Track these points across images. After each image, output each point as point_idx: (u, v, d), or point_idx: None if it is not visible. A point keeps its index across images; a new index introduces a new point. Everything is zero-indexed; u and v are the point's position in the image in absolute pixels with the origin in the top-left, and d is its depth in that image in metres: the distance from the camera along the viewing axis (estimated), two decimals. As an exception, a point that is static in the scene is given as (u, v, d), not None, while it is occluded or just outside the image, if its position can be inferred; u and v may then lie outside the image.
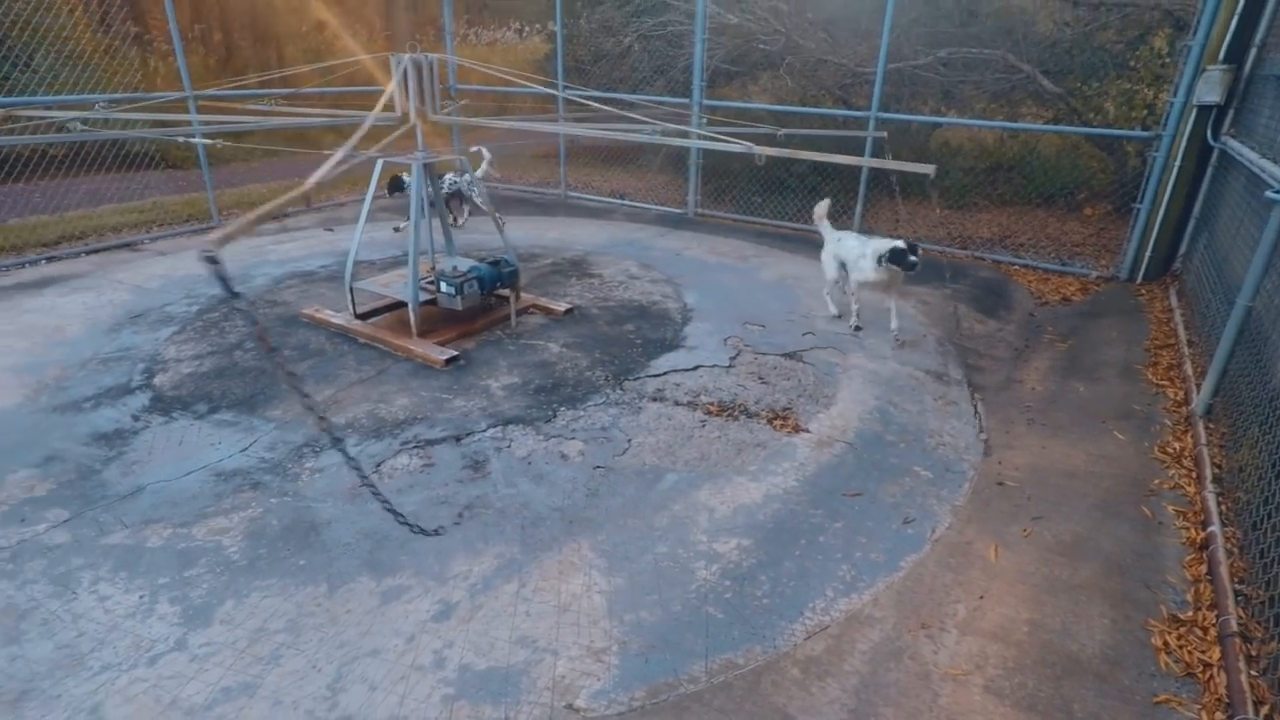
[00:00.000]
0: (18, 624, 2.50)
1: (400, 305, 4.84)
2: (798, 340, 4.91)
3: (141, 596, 2.64)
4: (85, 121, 4.56)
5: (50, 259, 6.30)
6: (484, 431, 3.73)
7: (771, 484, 3.37)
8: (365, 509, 3.12)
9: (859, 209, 7.30)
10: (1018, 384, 4.46)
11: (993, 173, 7.71)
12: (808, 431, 3.81)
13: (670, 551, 2.91)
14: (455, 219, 7.51)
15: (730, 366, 4.50)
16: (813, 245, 7.19)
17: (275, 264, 6.28)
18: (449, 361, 4.40)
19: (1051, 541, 3.04)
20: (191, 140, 6.90)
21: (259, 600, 2.63)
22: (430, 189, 4.89)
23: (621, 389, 4.20)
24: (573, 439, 3.68)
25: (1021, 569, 2.88)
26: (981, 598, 2.73)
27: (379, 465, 3.44)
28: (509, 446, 3.60)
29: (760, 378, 4.37)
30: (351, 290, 4.88)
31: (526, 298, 5.30)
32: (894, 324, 4.94)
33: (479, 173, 7.16)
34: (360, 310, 4.95)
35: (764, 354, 4.69)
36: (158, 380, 4.17)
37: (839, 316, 5.29)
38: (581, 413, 3.93)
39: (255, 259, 6.41)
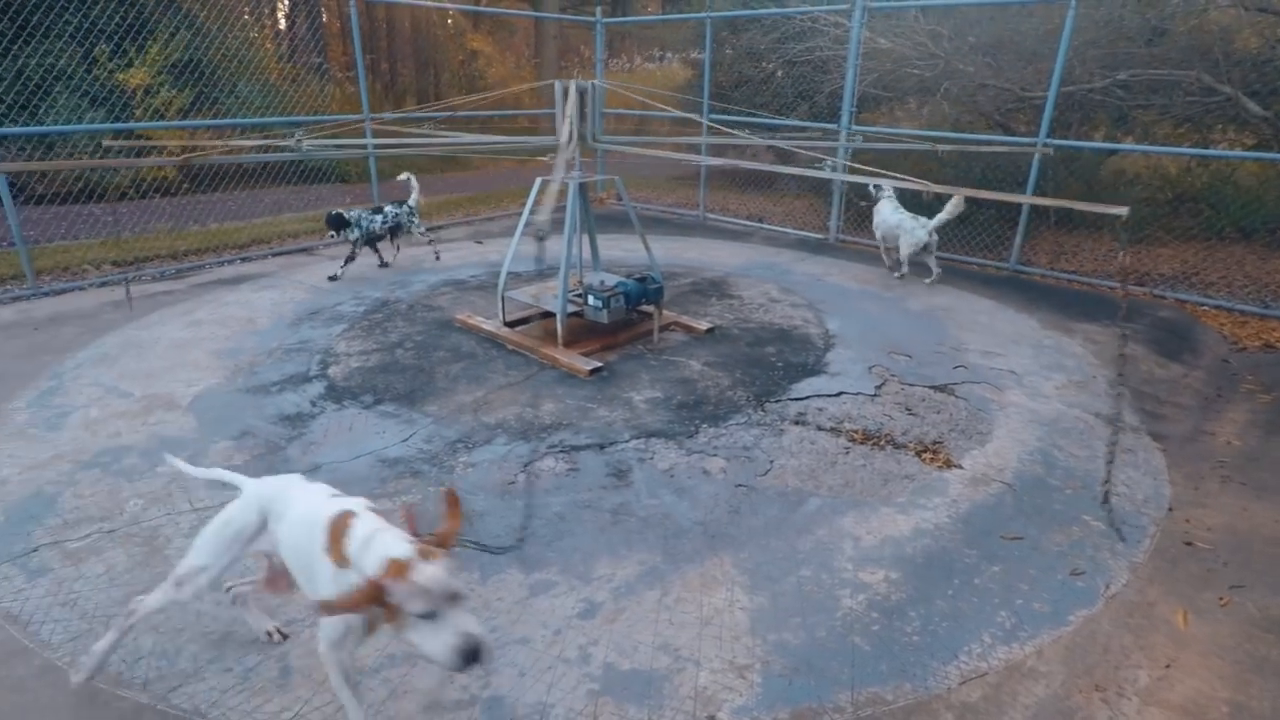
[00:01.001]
0: (218, 577, 2.79)
1: (548, 315, 5.05)
2: (948, 373, 4.68)
3: (319, 564, 2.87)
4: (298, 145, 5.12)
5: (243, 259, 7.09)
6: (627, 442, 3.80)
7: (921, 518, 3.21)
8: (514, 505, 3.25)
9: (1018, 239, 6.88)
10: (1208, 436, 4.01)
11: (1176, 204, 7.02)
12: (960, 468, 3.61)
13: (814, 576, 2.83)
14: (381, 257, 6.78)
15: (875, 395, 4.35)
16: (965, 276, 6.87)
17: (430, 272, 6.75)
18: (593, 372, 4.53)
19: (1257, 615, 2.69)
20: (377, 153, 7.56)
21: (419, 580, 2.79)
22: (581, 208, 5.09)
23: (763, 410, 4.15)
24: (714, 456, 3.67)
25: (1218, 641, 2.57)
26: (1168, 666, 2.46)
27: (526, 465, 3.58)
28: (651, 458, 3.65)
29: (908, 409, 4.19)
30: (503, 299, 5.14)
31: (668, 315, 5.38)
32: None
33: (412, 200, 6.72)
34: (509, 318, 5.21)
35: (911, 385, 4.50)
36: (331, 371, 4.56)
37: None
38: (723, 431, 3.92)
39: (413, 267, 6.91)
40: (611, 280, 5.00)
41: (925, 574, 2.86)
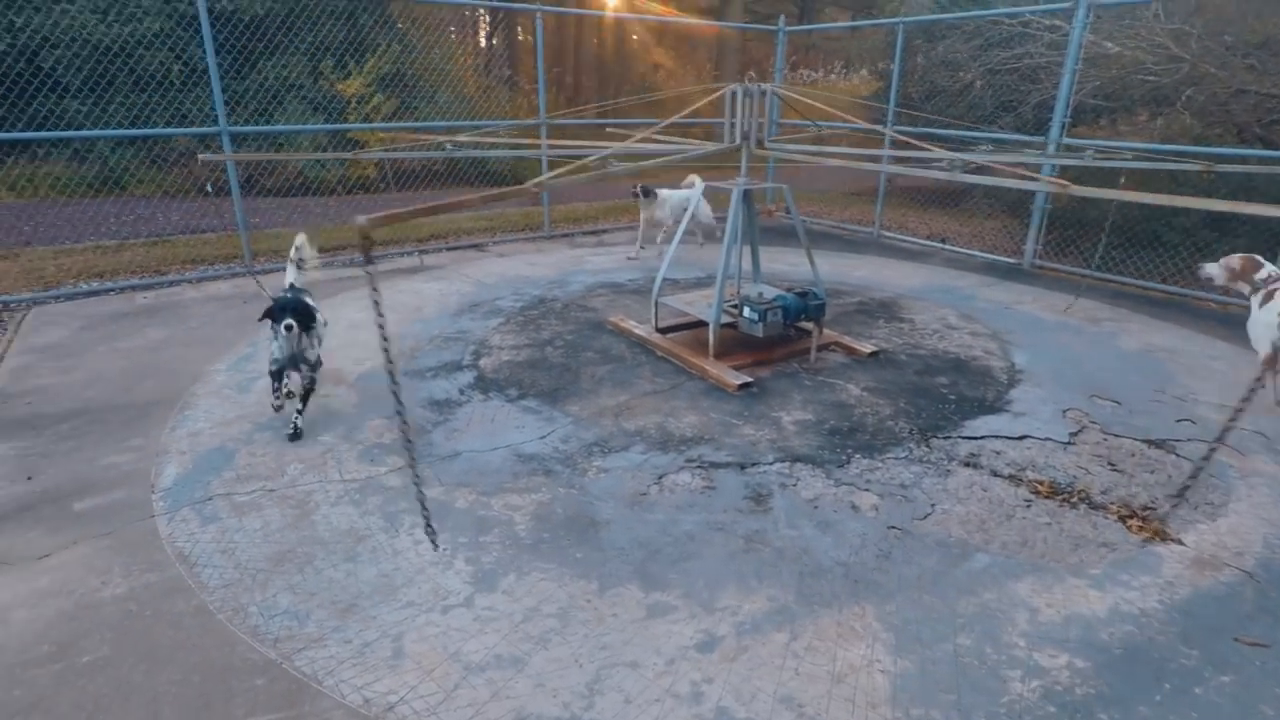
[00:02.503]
0: (355, 546, 2.88)
1: (700, 325, 4.88)
2: (1169, 426, 3.91)
3: (444, 549, 2.87)
4: (453, 145, 5.34)
5: (421, 252, 7.60)
6: (770, 464, 3.51)
7: (1121, 598, 2.63)
8: (643, 518, 3.08)
9: None
10: None
11: None
12: (1179, 543, 2.95)
13: (975, 647, 2.39)
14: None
15: (1069, 444, 3.72)
16: (1191, 312, 5.84)
17: (589, 274, 6.82)
18: (742, 387, 4.28)
19: None
20: (549, 155, 7.83)
21: (537, 580, 2.70)
22: (745, 216, 4.87)
23: (928, 446, 3.69)
24: (866, 490, 3.29)
25: None
26: None
27: (660, 478, 3.40)
28: (795, 485, 3.34)
29: (1111, 463, 3.53)
30: (656, 304, 5.03)
31: (829, 334, 5.00)
32: None
33: (300, 254, 4.37)
34: (661, 325, 5.09)
35: (1117, 436, 3.80)
36: (482, 363, 4.68)
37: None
38: (879, 464, 3.51)
39: (573, 267, 7.03)
40: (770, 293, 4.73)
41: (1124, 669, 2.32)
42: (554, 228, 8.64)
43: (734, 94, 4.60)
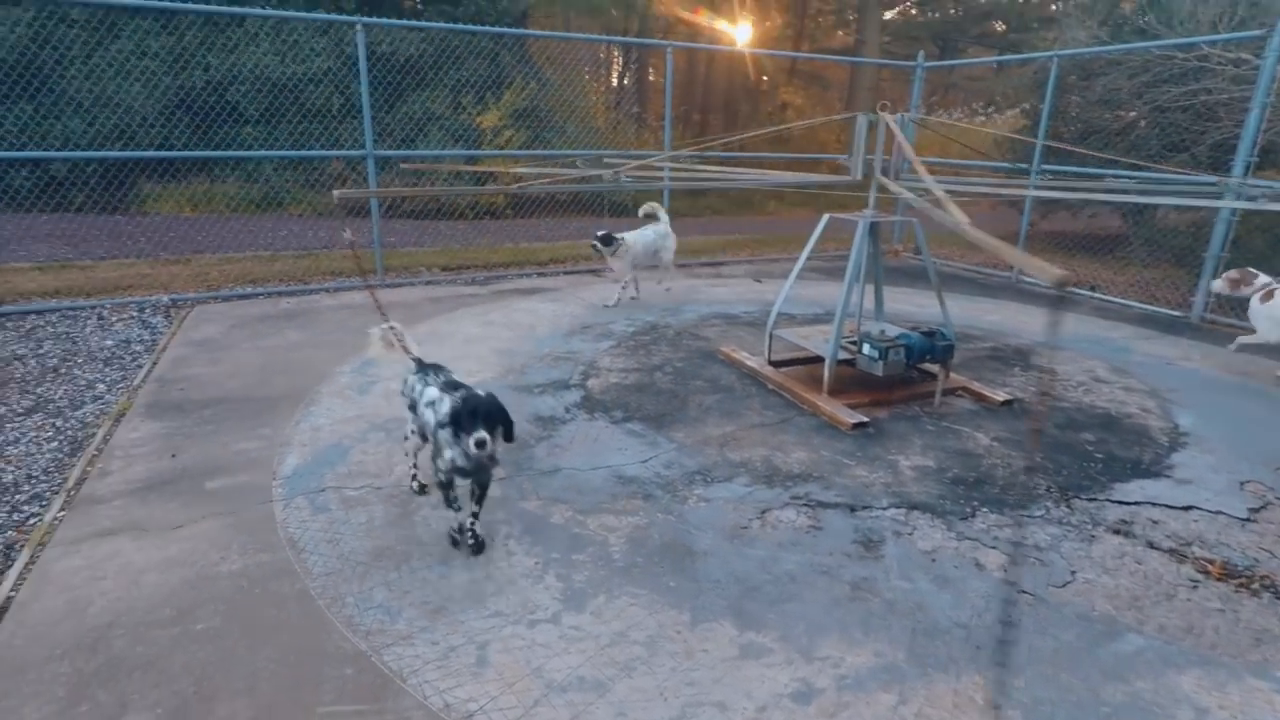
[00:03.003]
0: (450, 551, 2.88)
1: (815, 361, 4.67)
2: (1377, 512, 3.30)
3: (537, 563, 2.82)
4: (615, 177, 5.45)
5: (539, 274, 7.81)
6: (884, 509, 3.25)
7: (1319, 710, 2.18)
8: (743, 552, 2.91)
9: None
10: None
11: None
12: (1396, 652, 2.43)
13: (1127, 745, 2.04)
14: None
15: (1249, 520, 3.21)
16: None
17: (704, 304, 6.74)
18: (857, 426, 4.02)
19: None
20: (672, 184, 7.89)
21: (626, 605, 2.59)
22: (869, 251, 4.64)
23: (1068, 506, 3.29)
24: (993, 548, 2.96)
25: None
26: None
27: (764, 512, 3.22)
28: (911, 534, 3.05)
29: (1301, 548, 3.00)
30: (770, 336, 4.87)
31: (956, 378, 4.64)
32: None
33: (401, 340, 3.51)
34: (774, 358, 4.92)
35: (1309, 517, 3.24)
36: (590, 383, 4.67)
37: None
38: (1009, 520, 3.16)
39: (688, 297, 6.98)
40: (893, 331, 4.46)
41: (1324, 796, 1.90)
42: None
43: (864, 123, 4.43)
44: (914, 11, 24.28)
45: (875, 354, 4.24)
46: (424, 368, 3.21)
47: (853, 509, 3.25)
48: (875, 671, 2.29)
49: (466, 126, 11.51)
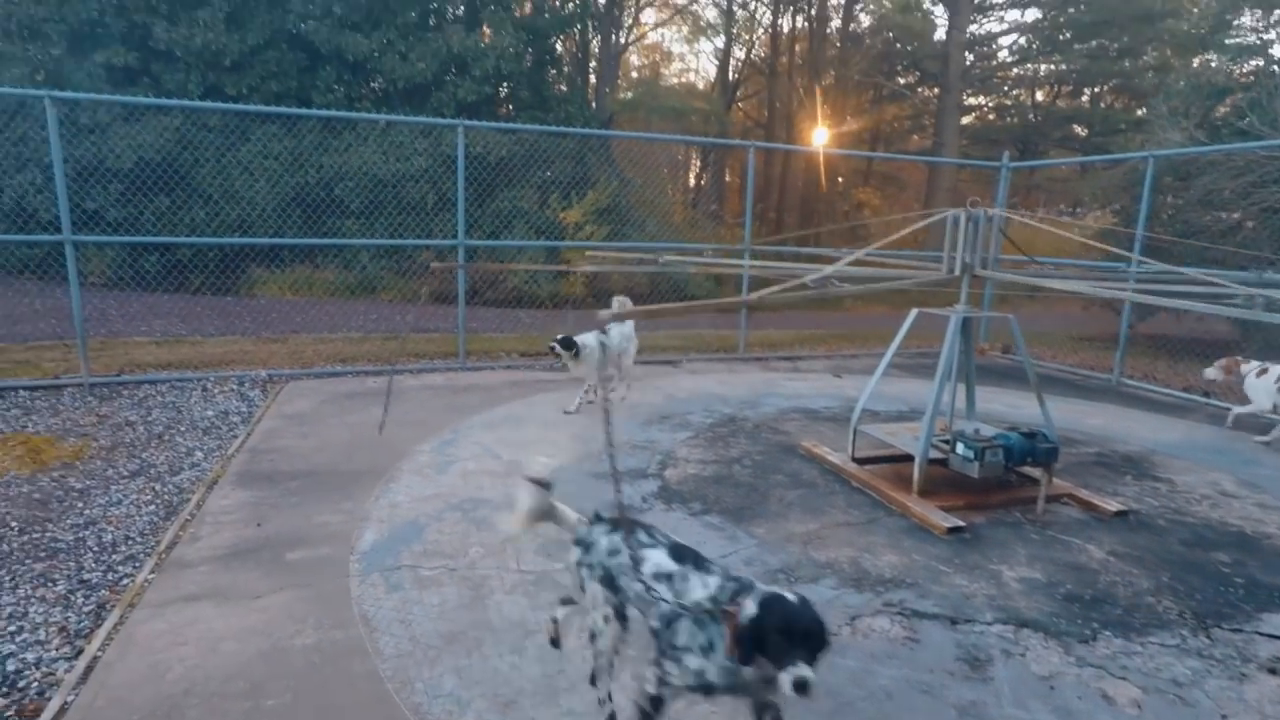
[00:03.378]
0: (523, 639, 2.77)
1: (902, 459, 4.45)
2: None
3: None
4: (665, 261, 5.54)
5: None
6: (988, 624, 2.96)
7: None
8: (832, 662, 2.68)
9: None
10: None
11: None
12: None
13: None
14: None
15: None
16: None
17: (782, 397, 6.60)
18: (952, 531, 3.75)
19: None
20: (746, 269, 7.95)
21: (707, 712, 2.39)
22: (962, 347, 4.48)
23: (1207, 637, 2.91)
24: (1122, 678, 2.62)
25: None
26: None
27: (853, 619, 2.98)
28: (1023, 655, 2.76)
29: None
30: (855, 432, 4.69)
31: (1060, 484, 4.31)
32: None
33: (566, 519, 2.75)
34: (858, 455, 4.72)
35: None
36: (667, 473, 4.56)
37: None
38: (1137, 648, 2.82)
39: (766, 390, 6.86)
40: (988, 431, 4.22)
41: None
42: (748, 350, 8.63)
43: (955, 220, 4.38)
44: (991, 117, 24.57)
45: (970, 454, 4.01)
46: (613, 524, 2.29)
47: (953, 621, 2.98)
48: (994, 815, 2.00)
49: (550, 222, 12.09)
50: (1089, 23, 18.34)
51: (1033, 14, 20.98)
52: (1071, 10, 19.36)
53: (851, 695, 2.50)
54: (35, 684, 2.55)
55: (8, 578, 3.18)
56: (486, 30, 14.29)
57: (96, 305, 9.46)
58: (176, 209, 11.21)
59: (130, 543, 3.53)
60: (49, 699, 2.44)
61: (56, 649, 2.74)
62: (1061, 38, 20.50)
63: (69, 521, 3.73)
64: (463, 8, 15.00)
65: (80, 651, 2.67)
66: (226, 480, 4.22)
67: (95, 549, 3.46)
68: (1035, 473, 4.17)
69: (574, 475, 4.46)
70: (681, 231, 12.34)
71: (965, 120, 22.17)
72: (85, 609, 2.98)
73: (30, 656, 2.70)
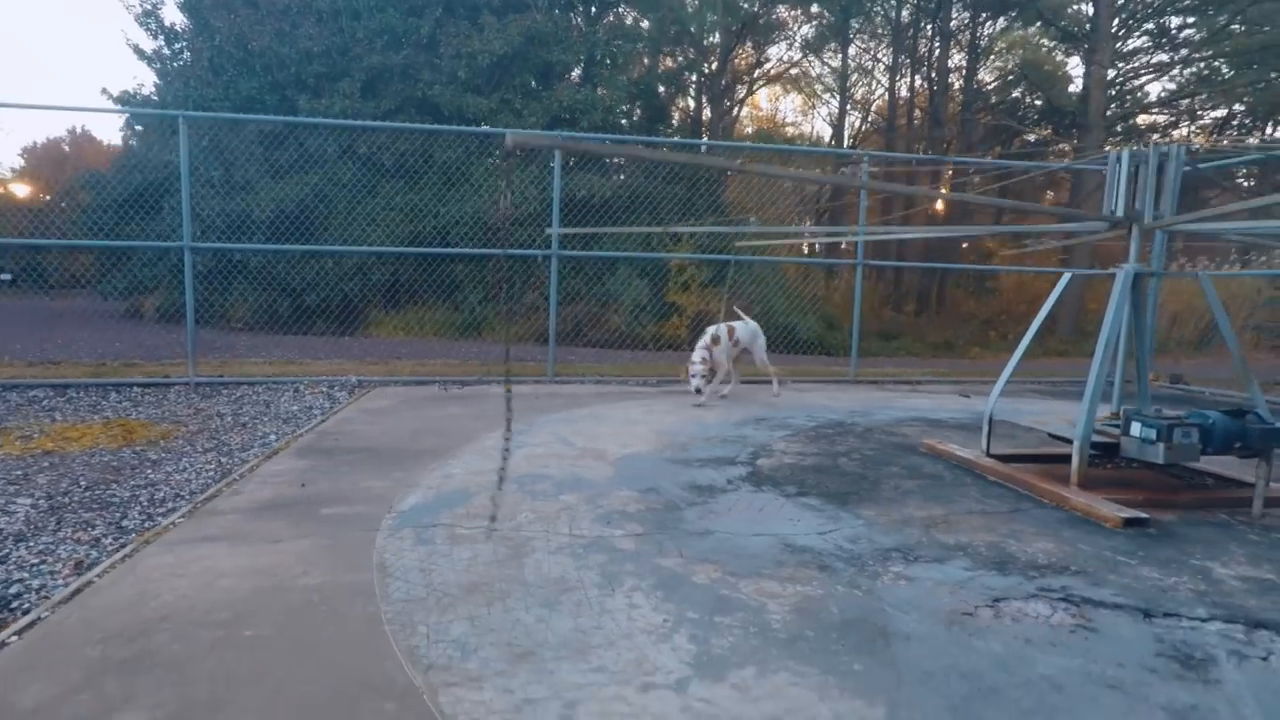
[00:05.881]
0: (559, 595, 2.23)
1: (1048, 459, 3.62)
2: None
3: (665, 620, 2.07)
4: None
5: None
6: (1202, 621, 2.11)
7: None
8: (968, 643, 1.95)
9: None
10: None
11: None
12: None
13: None
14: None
15: None
16: None
17: (899, 410, 5.76)
18: (1130, 523, 2.87)
19: None
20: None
21: (786, 683, 1.74)
22: (1131, 310, 3.63)
23: None
24: None
25: None
26: None
27: (995, 601, 2.22)
28: (1266, 659, 1.90)
29: None
30: (991, 420, 3.87)
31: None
32: None
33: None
34: (994, 451, 3.88)
35: None
36: (760, 462, 3.92)
37: None
38: None
39: (880, 405, 6.04)
40: (1173, 412, 3.31)
41: None
42: (859, 375, 7.80)
43: (1119, 159, 3.63)
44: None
45: (1152, 433, 3.12)
46: None
47: (1147, 615, 2.14)
48: None
49: (654, 265, 11.91)
50: (1257, 49, 16.44)
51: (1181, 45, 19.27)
52: (1227, 44, 17.60)
53: (997, 681, 1.77)
54: (28, 605, 2.29)
55: (54, 522, 3.03)
56: (601, 91, 14.77)
57: (228, 340, 10.08)
58: (308, 259, 11.95)
59: (179, 499, 3.33)
60: (26, 614, 2.15)
61: (64, 578, 2.49)
62: (1218, 77, 18.65)
63: (131, 483, 3.60)
64: (578, 71, 15.68)
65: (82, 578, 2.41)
66: (287, 453, 4.01)
67: (145, 504, 3.28)
68: (1250, 467, 3.20)
69: (650, 459, 3.92)
70: (794, 282, 11.79)
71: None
72: (110, 549, 2.75)
73: (36, 583, 2.46)
